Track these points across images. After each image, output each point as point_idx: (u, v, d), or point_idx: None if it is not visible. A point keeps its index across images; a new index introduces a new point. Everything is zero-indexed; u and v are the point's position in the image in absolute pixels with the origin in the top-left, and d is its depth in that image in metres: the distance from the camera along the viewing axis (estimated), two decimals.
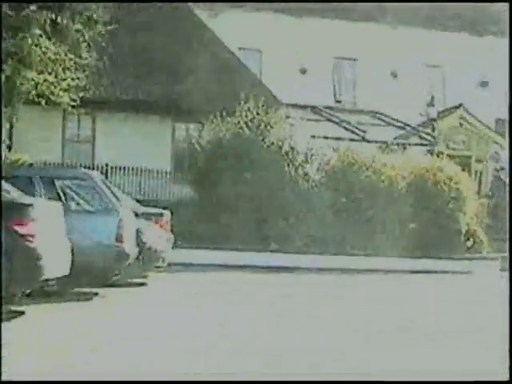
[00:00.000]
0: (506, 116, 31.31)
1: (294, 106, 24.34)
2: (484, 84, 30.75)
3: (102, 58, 18.77)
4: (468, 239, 21.43)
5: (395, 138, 25.34)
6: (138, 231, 13.06)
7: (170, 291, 12.95)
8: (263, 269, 18.11)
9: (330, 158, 21.40)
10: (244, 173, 20.18)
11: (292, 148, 20.76)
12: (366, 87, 29.46)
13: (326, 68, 29.68)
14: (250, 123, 20.75)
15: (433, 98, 28.66)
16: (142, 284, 13.62)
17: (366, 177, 20.90)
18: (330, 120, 27.20)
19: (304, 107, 26.54)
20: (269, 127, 20.76)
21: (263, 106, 20.91)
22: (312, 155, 21.02)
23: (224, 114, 20.83)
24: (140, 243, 13.03)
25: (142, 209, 15.81)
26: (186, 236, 19.12)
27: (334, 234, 20.38)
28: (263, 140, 20.51)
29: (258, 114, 20.86)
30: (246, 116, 20.82)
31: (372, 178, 20.88)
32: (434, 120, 27.07)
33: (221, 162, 20.41)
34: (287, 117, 21.47)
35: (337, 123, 26.87)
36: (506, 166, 28.79)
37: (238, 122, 20.73)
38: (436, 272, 19.61)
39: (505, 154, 28.86)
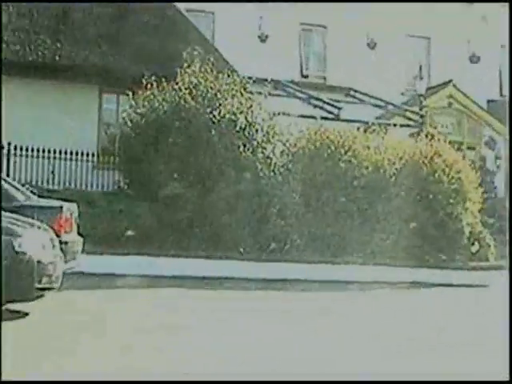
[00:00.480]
0: (498, 96, 27.13)
1: (252, 79, 19.50)
2: (475, 59, 26.21)
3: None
4: (473, 243, 16.82)
5: (378, 118, 20.68)
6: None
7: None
8: (205, 280, 13.51)
9: (299, 138, 16.63)
10: (187, 154, 15.37)
11: (249, 123, 15.94)
12: (338, 60, 24.76)
13: (291, 36, 24.88)
14: (194, 91, 15.89)
15: (421, 68, 23.97)
16: (17, 312, 8.78)
17: (344, 162, 16.18)
18: (296, 97, 22.44)
19: (263, 81, 21.73)
20: (219, 96, 15.90)
21: (211, 69, 16.09)
22: (275, 134, 16.21)
23: (163, 80, 16.01)
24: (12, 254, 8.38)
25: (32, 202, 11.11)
26: (110, 237, 14.42)
27: (303, 236, 15.69)
28: (211, 112, 15.66)
29: (205, 79, 16.01)
30: (190, 82, 15.96)
31: (352, 163, 16.18)
32: (422, 96, 22.38)
33: (157, 140, 15.58)
34: (243, 87, 16.57)
35: (305, 100, 22.14)
36: (503, 154, 24.44)
37: (180, 89, 15.85)
38: (439, 285, 15.17)
39: (502, 141, 24.46)
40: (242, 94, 16.33)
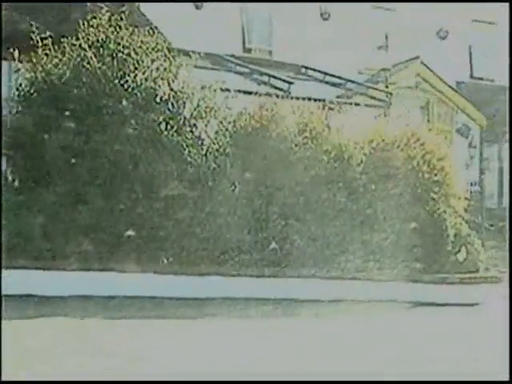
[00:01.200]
0: (468, 78, 23.84)
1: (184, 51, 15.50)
2: (442, 34, 22.85)
3: None
4: (459, 250, 13.26)
5: (337, 97, 17.06)
6: None
7: None
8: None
9: (240, 114, 12.84)
10: (89, 132, 11.49)
11: (175, 93, 12.07)
12: (287, 33, 21.09)
13: (231, 4, 21.10)
14: (101, 50, 11.98)
15: (387, 37, 20.42)
16: None
17: (298, 144, 12.47)
18: (237, 72, 18.73)
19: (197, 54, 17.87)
20: (135, 57, 12.02)
21: (126, 25, 12.23)
22: (208, 108, 12.37)
23: (60, 37, 12.11)
24: None
25: None
26: None
27: (242, 240, 11.94)
28: (123, 78, 11.78)
29: (115, 35, 12.11)
30: (96, 38, 12.04)
31: (308, 145, 12.47)
32: (388, 70, 18.80)
33: (51, 114, 11.66)
34: (168, 49, 12.70)
35: (247, 75, 18.47)
36: (477, 143, 21.11)
37: (81, 47, 11.93)
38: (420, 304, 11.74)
39: (475, 128, 21.09)
40: (166, 58, 12.51)
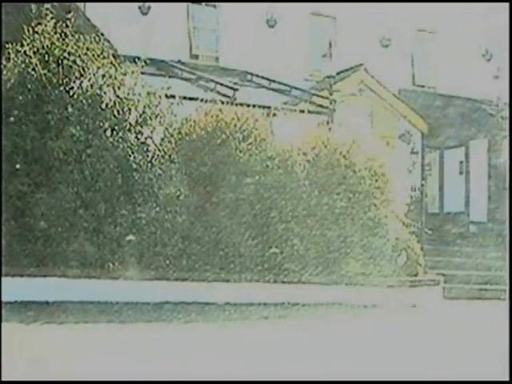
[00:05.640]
0: (411, 85, 24.33)
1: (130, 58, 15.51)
2: (386, 43, 23.31)
3: None
4: (399, 254, 13.61)
5: (284, 103, 17.30)
6: None
7: None
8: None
9: (185, 120, 13.01)
10: (35, 138, 11.50)
11: (120, 100, 12.16)
12: (233, 40, 21.32)
13: (178, 10, 21.24)
14: (46, 56, 12.02)
15: (331, 45, 20.73)
16: None
17: (242, 151, 12.66)
18: (183, 78, 18.84)
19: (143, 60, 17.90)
20: (80, 63, 12.08)
21: (71, 32, 12.27)
22: (154, 114, 12.49)
23: (5, 43, 12.11)
24: None
25: None
26: None
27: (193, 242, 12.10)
28: (69, 84, 11.84)
29: (61, 42, 12.16)
30: (41, 45, 12.08)
31: (252, 152, 12.68)
32: (332, 77, 19.11)
33: None
34: (113, 56, 12.78)
35: (193, 81, 18.60)
36: (419, 149, 21.59)
37: (26, 54, 11.95)
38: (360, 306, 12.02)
39: (417, 135, 21.57)
40: (112, 65, 12.59)
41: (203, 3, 21.68)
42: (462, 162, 21.86)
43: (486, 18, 22.56)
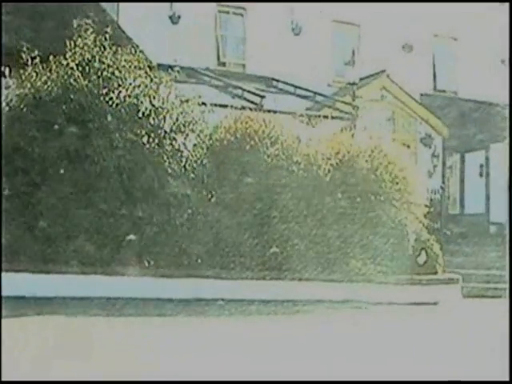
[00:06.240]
0: (432, 90, 24.98)
1: (161, 65, 16.36)
2: (407, 48, 23.97)
3: None
4: (419, 254, 14.31)
5: (307, 109, 18.05)
6: None
7: None
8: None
9: (215, 128, 13.82)
10: (76, 146, 12.34)
11: (156, 109, 13.00)
12: (260, 47, 22.11)
13: (206, 19, 22.07)
14: (87, 68, 12.89)
15: (354, 53, 21.46)
16: None
17: (270, 156, 13.44)
18: (212, 85, 19.66)
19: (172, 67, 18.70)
20: (118, 74, 12.93)
21: (109, 44, 13.11)
22: (187, 122, 13.32)
23: (50, 55, 12.97)
24: None
25: None
26: None
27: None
28: (108, 94, 12.69)
29: (100, 54, 13.01)
30: (82, 57, 12.94)
31: (280, 157, 13.46)
32: (355, 84, 19.86)
33: (40, 128, 12.50)
34: (149, 67, 13.62)
35: (222, 88, 19.41)
36: (440, 152, 22.23)
37: (69, 66, 12.83)
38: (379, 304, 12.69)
39: (438, 138, 22.22)
40: (147, 75, 13.43)
41: (231, 12, 22.45)
42: (482, 165, 22.48)
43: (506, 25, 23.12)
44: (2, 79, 13.44)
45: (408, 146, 21.87)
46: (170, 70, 13.69)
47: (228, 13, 22.54)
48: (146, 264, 12.21)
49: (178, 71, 13.90)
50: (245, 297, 12.06)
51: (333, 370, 7.08)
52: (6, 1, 14.45)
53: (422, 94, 23.80)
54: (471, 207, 22.70)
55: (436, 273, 14.56)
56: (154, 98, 13.14)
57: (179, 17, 21.34)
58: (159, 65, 14.08)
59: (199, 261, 12.51)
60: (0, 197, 12.09)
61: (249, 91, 18.60)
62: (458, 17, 24.27)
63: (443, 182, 21.40)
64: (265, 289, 12.47)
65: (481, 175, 22.50)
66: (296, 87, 20.86)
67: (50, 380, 5.80)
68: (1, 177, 12.19)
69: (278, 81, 21.57)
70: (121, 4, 20.86)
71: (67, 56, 12.89)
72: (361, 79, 21.69)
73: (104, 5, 18.41)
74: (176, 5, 21.30)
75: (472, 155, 22.87)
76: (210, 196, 13.04)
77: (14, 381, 5.70)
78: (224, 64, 22.23)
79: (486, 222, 22.01)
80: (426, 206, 14.98)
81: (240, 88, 19.11)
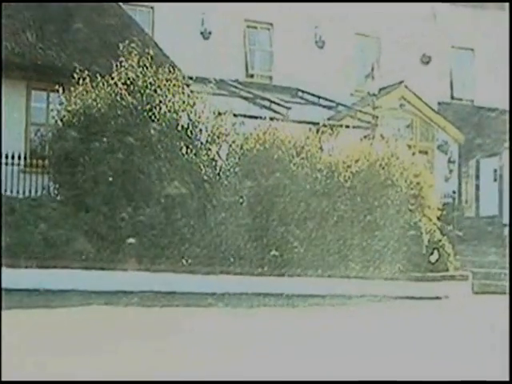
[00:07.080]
0: (449, 99, 26.24)
1: (193, 78, 17.85)
2: (425, 59, 25.29)
3: None
4: (432, 253, 15.67)
5: (329, 119, 19.43)
6: None
7: None
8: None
9: (246, 138, 15.27)
10: (123, 156, 13.85)
11: (192, 122, 14.50)
12: (286, 59, 23.53)
13: (235, 34, 23.55)
14: (131, 86, 14.40)
15: (373, 68, 22.84)
16: None
17: (295, 164, 14.87)
18: (241, 96, 21.11)
19: (206, 80, 20.26)
20: (159, 92, 14.43)
21: (150, 64, 14.61)
22: (221, 134, 14.80)
23: (98, 75, 14.51)
24: None
25: None
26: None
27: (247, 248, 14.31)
28: (151, 110, 14.20)
29: (143, 74, 14.53)
30: (127, 77, 14.45)
31: (305, 165, 14.89)
32: (375, 96, 21.25)
33: (90, 140, 14.03)
34: (185, 84, 15.12)
35: (251, 100, 20.84)
36: (456, 158, 23.52)
37: (116, 85, 14.35)
38: (397, 298, 14.02)
39: (455, 145, 23.52)
40: (183, 91, 14.92)
41: (259, 27, 23.90)
42: (496, 171, 23.72)
43: None
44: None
45: (426, 153, 23.26)
46: (203, 83, 15.12)
47: (256, 28, 23.98)
48: (184, 262, 13.73)
49: (212, 86, 15.36)
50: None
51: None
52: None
53: (439, 103, 25.07)
54: (486, 210, 23.92)
55: (447, 270, 15.90)
56: (191, 112, 14.63)
57: (210, 32, 22.80)
58: (190, 77, 15.50)
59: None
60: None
61: (275, 103, 19.98)
62: (474, 28, 25.48)
63: (459, 186, 22.65)
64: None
65: (495, 180, 23.73)
66: (319, 97, 22.22)
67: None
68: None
69: (302, 91, 22.93)
70: (156, 21, 22.39)
71: (113, 76, 14.42)
72: (380, 89, 23.03)
73: (140, 22, 20.03)
74: (207, 21, 22.76)
75: (487, 161, 24.10)
76: (241, 201, 14.48)
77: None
78: (252, 76, 23.67)
79: (500, 223, 23.21)
80: (439, 209, 16.34)
81: (268, 100, 20.50)
